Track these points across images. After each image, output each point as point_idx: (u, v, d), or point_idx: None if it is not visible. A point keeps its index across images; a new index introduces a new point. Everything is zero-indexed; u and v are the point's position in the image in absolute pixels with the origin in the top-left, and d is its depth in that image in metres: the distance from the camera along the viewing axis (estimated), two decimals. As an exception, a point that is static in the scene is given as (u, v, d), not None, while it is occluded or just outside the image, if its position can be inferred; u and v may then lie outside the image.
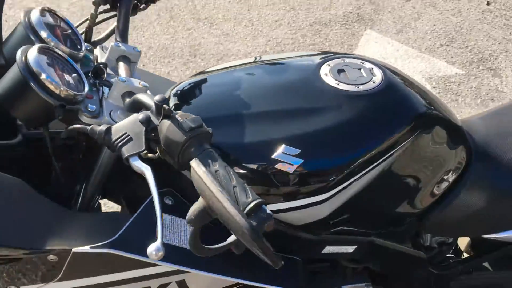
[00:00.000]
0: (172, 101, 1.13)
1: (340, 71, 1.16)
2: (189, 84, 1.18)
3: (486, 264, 1.50)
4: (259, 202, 0.75)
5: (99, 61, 1.13)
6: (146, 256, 0.96)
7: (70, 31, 1.11)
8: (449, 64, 3.08)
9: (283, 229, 1.13)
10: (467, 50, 3.17)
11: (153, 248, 0.80)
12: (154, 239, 0.98)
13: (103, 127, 0.89)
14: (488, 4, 3.50)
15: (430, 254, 1.38)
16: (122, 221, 1.00)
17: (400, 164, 1.14)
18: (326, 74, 1.15)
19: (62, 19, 1.11)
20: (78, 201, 1.11)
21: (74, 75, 1.00)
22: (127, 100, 1.00)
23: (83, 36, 1.17)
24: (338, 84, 1.12)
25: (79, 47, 1.11)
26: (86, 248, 0.94)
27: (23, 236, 0.94)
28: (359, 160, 1.08)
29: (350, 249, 1.23)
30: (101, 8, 1.21)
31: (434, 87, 2.91)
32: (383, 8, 3.44)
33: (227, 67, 1.25)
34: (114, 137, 0.88)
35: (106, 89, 1.05)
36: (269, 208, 0.77)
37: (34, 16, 1.05)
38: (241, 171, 1.04)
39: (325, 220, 1.13)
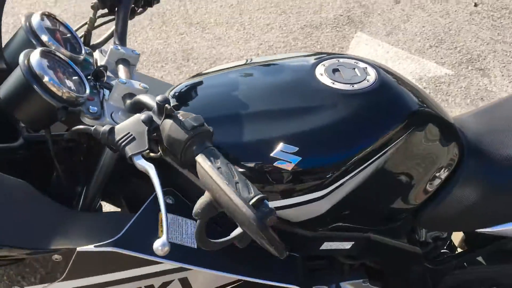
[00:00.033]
0: (171, 102, 1.15)
1: (335, 70, 1.18)
2: (187, 85, 1.20)
3: (480, 259, 1.53)
4: (261, 197, 0.77)
5: (98, 64, 1.14)
6: (149, 254, 0.98)
7: (69, 35, 1.13)
8: (439, 65, 3.13)
9: (281, 226, 1.15)
10: (456, 51, 3.22)
11: (159, 244, 0.82)
12: (156, 237, 1.00)
13: (106, 127, 0.91)
14: (475, 5, 3.56)
15: (425, 249, 1.41)
16: (125, 220, 1.01)
17: (395, 161, 1.17)
18: (321, 74, 1.17)
19: (61, 23, 1.13)
20: (80, 202, 1.13)
21: (75, 77, 1.02)
22: (128, 101, 1.02)
23: (82, 39, 1.19)
24: (333, 84, 1.15)
25: (78, 50, 1.12)
26: (90, 247, 0.95)
27: (28, 236, 0.96)
28: (356, 157, 1.11)
29: (347, 245, 1.26)
30: (99, 12, 1.22)
31: (424, 88, 2.95)
32: (373, 11, 3.49)
33: (224, 69, 1.27)
34: (117, 137, 0.90)
35: (106, 92, 1.07)
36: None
37: (35, 20, 1.07)
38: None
39: (323, 216, 1.16)
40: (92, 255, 0.96)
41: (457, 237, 1.55)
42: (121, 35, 1.18)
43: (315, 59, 1.24)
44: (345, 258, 1.35)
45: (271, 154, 1.06)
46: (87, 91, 1.01)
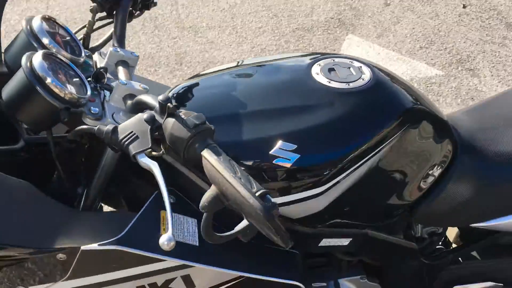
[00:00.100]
0: None
1: (331, 70, 1.21)
2: (186, 86, 1.22)
3: (475, 254, 1.55)
4: (264, 192, 0.79)
5: (98, 66, 1.16)
6: (152, 251, 1.00)
7: (69, 38, 1.14)
8: (429, 65, 3.17)
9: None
10: (446, 51, 3.27)
11: (165, 239, 0.83)
12: (159, 234, 1.02)
13: (109, 127, 0.92)
14: (464, 7, 3.61)
15: (421, 245, 1.43)
16: (127, 219, 1.03)
17: (390, 157, 1.19)
18: (317, 73, 1.20)
19: (61, 27, 1.14)
20: (81, 203, 1.14)
21: (76, 79, 1.03)
22: (129, 102, 1.04)
23: (81, 42, 1.20)
24: (329, 82, 1.17)
25: (78, 53, 1.14)
26: (94, 246, 0.96)
27: (32, 236, 0.97)
28: (353, 154, 1.13)
29: (345, 241, 1.28)
30: (98, 15, 1.24)
31: (415, 88, 2.99)
32: (363, 13, 3.53)
33: (222, 70, 1.29)
34: (120, 136, 0.91)
35: (107, 93, 1.08)
36: None
37: (36, 23, 1.08)
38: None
39: (322, 213, 1.18)
40: (96, 254, 0.97)
41: (452, 232, 1.58)
42: (120, 38, 1.20)
43: (310, 59, 1.26)
44: (343, 255, 1.37)
45: (270, 152, 1.08)
46: (89, 92, 1.03)
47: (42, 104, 0.95)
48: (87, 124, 1.00)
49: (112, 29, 1.27)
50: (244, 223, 0.82)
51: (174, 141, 0.90)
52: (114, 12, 1.24)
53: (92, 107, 1.02)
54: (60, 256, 0.97)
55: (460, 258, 1.52)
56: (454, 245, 1.59)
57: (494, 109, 1.46)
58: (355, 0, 3.63)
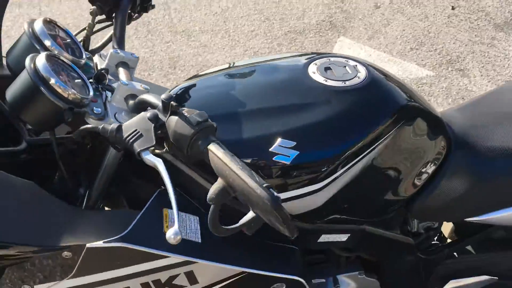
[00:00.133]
0: None
1: (327, 69, 1.23)
2: (185, 87, 1.24)
3: (469, 248, 1.58)
4: (267, 185, 0.81)
5: (99, 68, 1.18)
6: (156, 248, 1.01)
7: (70, 40, 1.16)
8: (420, 66, 3.21)
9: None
10: (436, 52, 3.31)
11: (172, 233, 0.85)
12: (162, 232, 1.04)
13: (114, 125, 0.94)
14: (453, 8, 3.66)
15: (418, 240, 1.46)
16: (130, 217, 1.04)
17: (387, 153, 1.22)
18: (314, 72, 1.22)
19: (62, 29, 1.16)
20: (83, 203, 1.16)
21: (78, 80, 1.05)
22: (131, 101, 1.06)
23: (81, 45, 1.22)
24: (326, 81, 1.20)
25: (79, 55, 1.16)
26: (99, 243, 0.98)
27: (37, 234, 0.98)
28: (351, 150, 1.15)
29: (343, 237, 1.30)
30: (97, 18, 1.26)
31: (407, 89, 3.03)
32: (354, 16, 3.57)
33: (220, 70, 1.31)
34: (125, 134, 0.93)
35: (108, 93, 1.10)
36: None
37: (38, 26, 1.10)
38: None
39: (320, 209, 1.20)
40: (101, 251, 0.99)
41: (447, 228, 1.61)
42: (119, 40, 1.22)
43: (306, 58, 1.29)
44: (342, 251, 1.40)
45: (270, 149, 1.11)
46: (91, 93, 1.05)
47: (46, 104, 0.97)
48: (90, 124, 1.01)
49: (111, 32, 1.29)
50: (249, 216, 0.84)
51: (178, 139, 0.92)
52: (114, 15, 1.26)
53: (94, 108, 1.04)
54: (66, 254, 0.98)
55: (455, 253, 1.55)
56: (449, 240, 1.62)
57: (485, 106, 1.50)
58: (346, 3, 3.68)
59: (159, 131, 0.95)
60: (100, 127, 0.96)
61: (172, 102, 0.92)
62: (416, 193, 1.33)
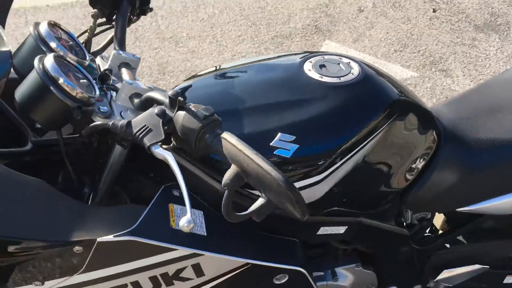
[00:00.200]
0: None
1: (322, 66, 1.28)
2: (185, 86, 1.27)
3: (461, 239, 1.64)
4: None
5: (102, 69, 1.21)
6: (164, 241, 1.04)
7: (73, 42, 1.19)
8: (404, 68, 3.29)
9: (282, 213, 1.23)
10: (419, 54, 3.39)
11: (185, 221, 0.88)
12: (169, 225, 1.07)
13: (123, 122, 0.97)
14: (434, 11, 3.76)
15: (412, 231, 1.51)
16: (137, 212, 1.07)
17: (381, 146, 1.27)
18: (310, 70, 1.27)
19: (65, 32, 1.19)
20: (89, 202, 1.18)
21: (83, 80, 1.08)
22: (137, 100, 1.09)
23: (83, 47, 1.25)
24: (321, 77, 1.25)
25: (82, 56, 1.18)
26: (110, 237, 1.01)
27: (49, 230, 1.01)
28: (348, 143, 1.20)
29: (341, 229, 1.34)
30: (97, 21, 1.29)
31: (393, 90, 3.09)
32: (339, 20, 3.64)
33: (218, 70, 1.35)
34: (135, 129, 0.97)
35: (113, 93, 1.13)
36: None
37: (43, 28, 1.13)
38: None
39: (319, 201, 1.24)
40: (111, 245, 1.01)
41: (438, 220, 1.66)
42: (120, 41, 1.26)
43: (301, 57, 1.34)
44: (339, 244, 1.44)
45: (271, 144, 1.15)
46: (97, 92, 1.08)
47: (56, 103, 1.00)
48: (98, 122, 1.04)
49: (111, 35, 1.32)
50: (258, 203, 0.87)
51: (186, 132, 0.95)
52: (114, 17, 1.29)
53: (100, 106, 1.07)
54: (77, 248, 1.01)
55: (448, 244, 1.60)
56: (441, 232, 1.67)
57: (472, 100, 1.56)
58: (330, 7, 3.75)
59: (166, 127, 0.98)
60: (110, 123, 0.99)
61: (179, 98, 0.96)
62: (409, 185, 1.39)
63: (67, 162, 1.12)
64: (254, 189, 1.13)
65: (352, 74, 1.27)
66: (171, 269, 1.10)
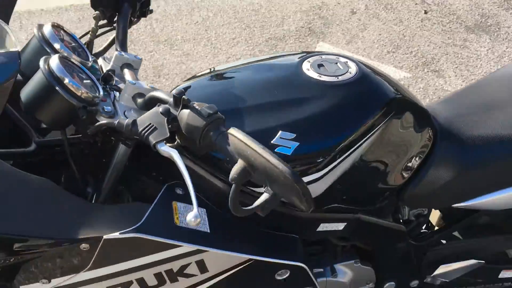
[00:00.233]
0: None
1: (320, 65, 1.31)
2: (186, 87, 1.29)
3: (457, 235, 1.67)
4: None
5: (104, 70, 1.23)
6: (169, 238, 1.06)
7: (75, 44, 1.21)
8: (397, 68, 3.33)
9: (283, 209, 1.25)
10: (412, 55, 3.44)
11: (192, 216, 0.90)
12: (173, 222, 1.09)
13: (129, 120, 0.99)
14: (425, 12, 3.80)
15: (409, 227, 1.54)
16: (141, 210, 1.09)
17: (378, 144, 1.29)
18: (308, 69, 1.29)
19: (68, 33, 1.21)
20: (92, 201, 1.20)
21: (87, 81, 1.10)
22: (139, 99, 1.11)
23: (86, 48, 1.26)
24: (320, 77, 1.27)
25: (85, 58, 1.20)
26: (116, 235, 1.02)
27: (56, 228, 1.02)
28: (347, 140, 1.23)
29: (340, 226, 1.37)
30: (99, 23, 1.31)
31: (386, 90, 3.13)
32: (332, 22, 3.68)
33: (218, 70, 1.37)
34: (140, 128, 0.98)
35: (116, 93, 1.15)
36: None
37: (47, 30, 1.15)
38: None
39: (319, 198, 1.26)
40: (117, 242, 1.03)
41: (434, 216, 1.69)
42: (122, 43, 1.28)
43: (299, 57, 1.36)
44: (338, 240, 1.46)
45: (272, 141, 1.17)
46: (101, 92, 1.09)
47: (61, 103, 1.01)
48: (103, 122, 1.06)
49: (112, 36, 1.34)
50: (262, 198, 0.89)
51: (190, 130, 0.97)
52: (115, 19, 1.31)
53: (104, 106, 1.09)
54: (84, 246, 1.02)
55: (444, 240, 1.63)
56: (437, 228, 1.70)
57: (467, 98, 1.59)
58: (323, 10, 3.78)
59: (171, 125, 1.00)
60: (116, 122, 1.01)
61: (184, 96, 0.98)
62: (406, 182, 1.41)
63: (72, 162, 1.14)
64: (257, 186, 1.16)
65: (350, 73, 1.30)
66: (175, 265, 1.12)
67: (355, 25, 3.66)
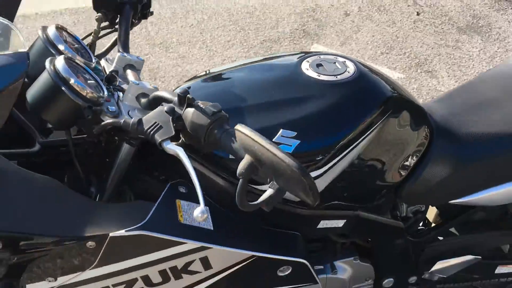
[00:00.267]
0: None
1: (319, 65, 1.33)
2: (187, 87, 1.31)
3: (454, 231, 1.69)
4: None
5: (106, 71, 1.24)
6: (174, 235, 1.08)
7: (78, 45, 1.22)
8: (391, 69, 3.36)
9: (285, 207, 1.27)
10: (405, 56, 3.48)
11: (199, 211, 0.92)
12: (177, 220, 1.11)
13: (135, 119, 1.01)
14: (418, 14, 3.85)
15: (407, 224, 1.56)
16: (145, 208, 1.11)
17: (376, 142, 1.32)
18: (307, 69, 1.32)
19: (71, 35, 1.22)
20: (96, 199, 1.21)
21: (91, 81, 1.11)
22: (143, 99, 1.13)
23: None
24: (319, 76, 1.30)
25: (88, 59, 1.22)
26: (121, 232, 1.04)
27: (62, 226, 1.04)
28: (346, 138, 1.25)
29: (340, 223, 1.39)
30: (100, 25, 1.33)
31: (381, 91, 3.17)
32: (326, 24, 3.71)
33: (218, 71, 1.40)
34: (146, 127, 1.00)
35: (120, 94, 1.17)
36: None
37: (51, 31, 1.16)
38: None
39: (320, 194, 1.28)
40: (123, 240, 1.05)
41: (431, 213, 1.72)
42: (124, 44, 1.29)
43: (298, 57, 1.38)
44: (338, 237, 1.48)
45: (273, 139, 1.19)
46: (105, 92, 1.11)
47: (67, 103, 1.03)
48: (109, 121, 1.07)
49: (113, 38, 1.36)
50: (267, 193, 0.91)
51: (195, 128, 0.99)
52: (117, 21, 1.33)
53: (109, 106, 1.10)
54: (90, 243, 1.04)
55: (442, 237, 1.66)
56: (435, 225, 1.73)
57: (462, 97, 1.62)
58: (317, 12, 3.82)
59: (175, 124, 1.02)
60: (122, 121, 1.03)
61: (188, 95, 1.00)
62: (404, 179, 1.44)
63: (76, 162, 1.15)
64: (258, 184, 1.18)
65: (348, 72, 1.32)
66: (180, 262, 1.13)
67: (349, 27, 3.70)
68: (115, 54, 1.28)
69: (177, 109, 1.03)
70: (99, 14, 1.30)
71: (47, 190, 1.06)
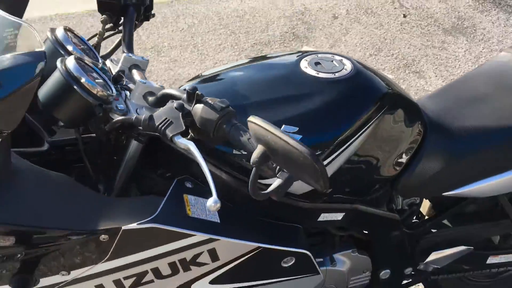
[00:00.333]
0: None
1: (317, 63, 1.38)
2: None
3: (447, 223, 1.75)
4: None
5: (112, 71, 1.28)
6: (184, 227, 1.12)
7: (85, 46, 1.26)
8: (380, 70, 3.43)
9: (287, 200, 1.32)
10: (393, 57, 3.55)
11: (211, 202, 0.96)
12: (185, 213, 1.14)
13: (146, 115, 1.05)
14: (404, 16, 3.93)
15: (402, 216, 1.62)
16: (154, 202, 1.14)
17: (373, 136, 1.37)
18: (306, 67, 1.37)
19: (78, 37, 1.26)
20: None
21: (99, 81, 1.15)
22: (150, 98, 1.16)
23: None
24: (318, 74, 1.35)
25: (95, 59, 1.26)
26: (134, 225, 1.07)
27: (76, 220, 1.07)
28: (346, 132, 1.30)
29: (339, 216, 1.44)
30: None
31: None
32: (315, 27, 3.78)
33: (218, 71, 1.44)
34: (157, 122, 1.04)
35: (127, 92, 1.21)
36: None
37: (60, 33, 1.20)
38: None
39: (320, 188, 1.33)
40: (135, 232, 1.08)
41: (425, 206, 1.77)
42: (128, 45, 1.33)
43: (296, 56, 1.43)
44: (337, 230, 1.53)
45: (276, 135, 1.23)
46: (114, 91, 1.15)
47: (79, 101, 1.07)
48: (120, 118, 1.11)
49: (117, 39, 1.40)
50: (276, 183, 0.96)
51: (204, 123, 1.04)
52: (121, 22, 1.37)
53: (117, 105, 1.14)
54: (103, 237, 1.07)
55: (435, 229, 1.72)
56: (429, 217, 1.78)
57: (454, 92, 1.68)
58: (306, 15, 3.88)
59: (185, 119, 1.06)
60: (133, 117, 1.06)
61: (197, 92, 1.04)
62: (399, 173, 1.49)
63: (86, 160, 1.18)
64: (262, 178, 1.22)
65: (346, 69, 1.37)
66: (189, 254, 1.17)
67: (338, 30, 3.76)
68: (119, 55, 1.32)
69: (186, 105, 1.07)
70: (104, 16, 1.34)
71: (60, 186, 1.10)
